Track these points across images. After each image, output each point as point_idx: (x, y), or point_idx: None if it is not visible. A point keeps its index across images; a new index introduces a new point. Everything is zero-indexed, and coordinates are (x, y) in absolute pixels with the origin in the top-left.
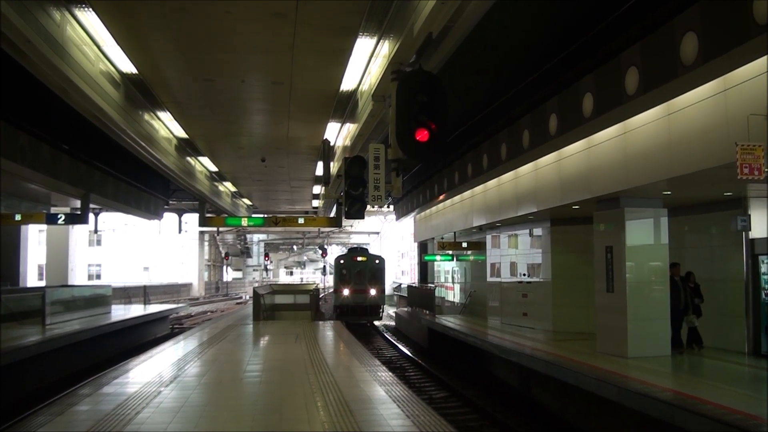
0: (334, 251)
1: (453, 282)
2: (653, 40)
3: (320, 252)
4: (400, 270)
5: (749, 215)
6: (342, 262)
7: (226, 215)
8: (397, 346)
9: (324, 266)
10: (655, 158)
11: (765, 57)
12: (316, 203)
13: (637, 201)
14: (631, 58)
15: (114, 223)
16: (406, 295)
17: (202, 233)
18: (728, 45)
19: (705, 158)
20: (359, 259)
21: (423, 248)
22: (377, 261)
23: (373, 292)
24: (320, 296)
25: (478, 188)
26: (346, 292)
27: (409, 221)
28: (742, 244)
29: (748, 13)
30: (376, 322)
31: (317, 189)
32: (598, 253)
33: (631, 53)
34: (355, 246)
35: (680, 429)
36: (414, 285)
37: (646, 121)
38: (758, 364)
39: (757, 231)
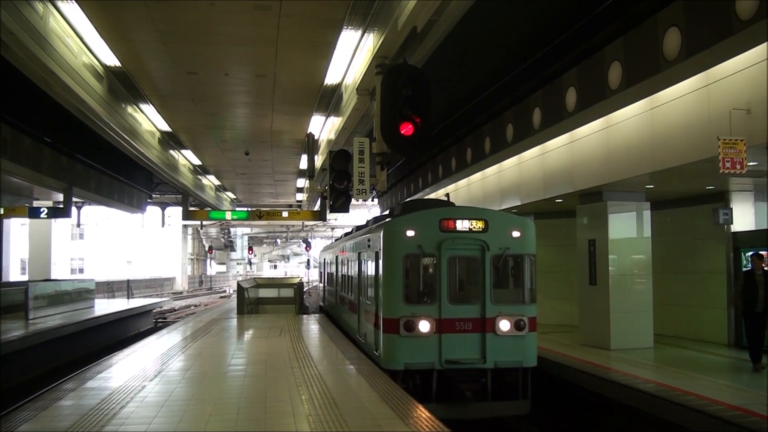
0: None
1: None
2: (636, 35)
3: (304, 245)
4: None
5: (731, 209)
6: (398, 236)
7: (209, 208)
8: None
9: (308, 260)
10: (638, 152)
11: (747, 52)
12: (300, 197)
13: (620, 194)
14: (614, 52)
15: (97, 216)
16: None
17: (185, 227)
18: (711, 40)
19: (687, 152)
20: (466, 225)
21: None
22: (518, 234)
23: (507, 325)
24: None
25: (462, 182)
26: (424, 327)
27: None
28: (724, 237)
29: (730, 9)
30: None
31: (301, 182)
32: (581, 247)
33: (614, 48)
34: (424, 198)
35: (663, 420)
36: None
37: (629, 115)
38: (739, 356)
39: (739, 224)
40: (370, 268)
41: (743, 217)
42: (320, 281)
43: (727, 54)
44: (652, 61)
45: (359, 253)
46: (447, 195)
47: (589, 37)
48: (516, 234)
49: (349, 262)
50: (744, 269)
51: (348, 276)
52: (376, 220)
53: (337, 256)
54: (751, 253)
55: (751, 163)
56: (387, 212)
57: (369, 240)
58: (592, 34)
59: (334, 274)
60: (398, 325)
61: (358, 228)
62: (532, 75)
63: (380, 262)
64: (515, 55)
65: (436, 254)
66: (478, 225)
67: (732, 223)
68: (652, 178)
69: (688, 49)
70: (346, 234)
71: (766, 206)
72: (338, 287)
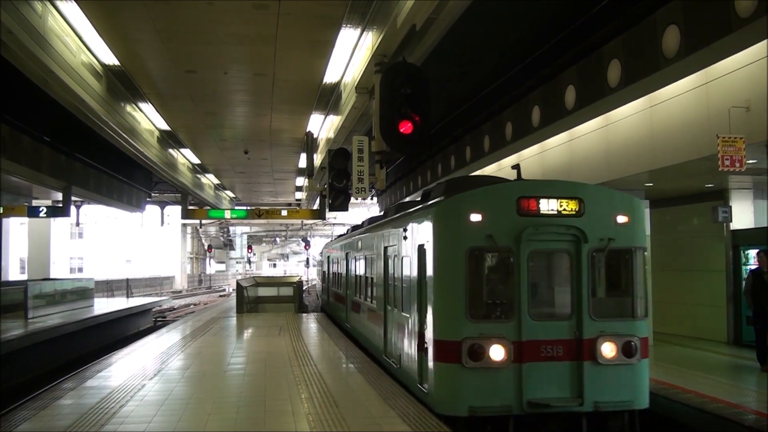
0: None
1: None
2: (635, 33)
3: (303, 244)
4: None
5: (730, 206)
6: (458, 221)
7: (209, 207)
8: None
9: (307, 258)
10: (637, 150)
11: (747, 50)
12: (299, 195)
13: None
14: (613, 50)
15: (96, 215)
16: None
17: (184, 226)
18: (710, 38)
19: (687, 150)
20: (553, 207)
21: None
22: (625, 219)
23: (612, 350)
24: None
25: None
26: (497, 353)
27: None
28: (723, 236)
29: (730, 7)
30: None
31: (300, 181)
32: None
33: (613, 46)
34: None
35: (662, 417)
36: None
37: (629, 113)
38: (739, 354)
39: (738, 222)
40: (406, 268)
41: (742, 215)
42: (322, 281)
43: (727, 52)
44: (652, 59)
45: (385, 248)
46: (516, 166)
47: (588, 35)
48: (622, 219)
49: (368, 260)
50: (751, 268)
51: (366, 277)
52: (400, 207)
53: (347, 254)
54: (758, 251)
55: (750, 161)
56: (421, 196)
57: (405, 230)
58: (592, 33)
59: (343, 274)
60: (459, 351)
61: (371, 220)
62: (531, 73)
63: (428, 259)
64: (514, 54)
65: (514, 248)
66: (570, 206)
67: (731, 221)
68: (651, 176)
69: (687, 47)
70: (355, 228)
71: (766, 204)
72: (349, 290)
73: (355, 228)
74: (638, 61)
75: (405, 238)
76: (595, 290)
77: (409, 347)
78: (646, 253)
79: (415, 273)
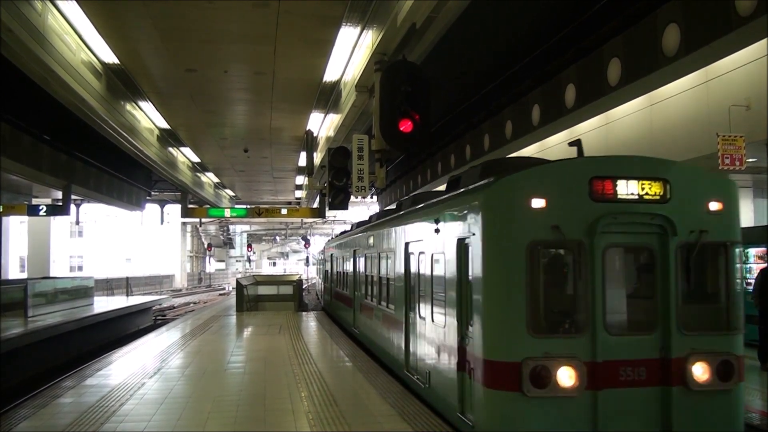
0: (318, 242)
1: None
2: (635, 31)
3: (303, 243)
4: None
5: None
6: (516, 207)
7: (208, 206)
8: None
9: (307, 257)
10: (637, 149)
11: (747, 48)
12: (299, 194)
13: None
14: (613, 49)
15: (96, 214)
16: None
17: (184, 224)
18: (710, 37)
19: (687, 149)
20: (633, 190)
21: None
22: (717, 206)
23: (705, 372)
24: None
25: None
26: (567, 378)
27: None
28: None
29: (730, 6)
30: None
31: (300, 180)
32: None
33: (613, 45)
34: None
35: None
36: None
37: (628, 111)
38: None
39: None
40: (438, 267)
41: (742, 213)
42: (324, 281)
43: (727, 50)
44: (652, 57)
45: (407, 245)
46: (577, 142)
47: (588, 34)
48: (715, 206)
49: (383, 258)
50: (761, 268)
51: (380, 278)
52: (417, 199)
53: (355, 251)
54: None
55: (750, 160)
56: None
57: (437, 221)
58: (592, 31)
59: (350, 273)
60: (519, 375)
61: (382, 214)
62: (531, 72)
63: (472, 257)
64: (514, 52)
65: (586, 242)
66: (654, 189)
67: None
68: None
69: (688, 46)
70: (361, 224)
71: (766, 203)
72: (357, 291)
73: (361, 224)
74: (638, 59)
75: (437, 231)
76: (685, 296)
77: (444, 364)
78: (740, 249)
79: (452, 274)
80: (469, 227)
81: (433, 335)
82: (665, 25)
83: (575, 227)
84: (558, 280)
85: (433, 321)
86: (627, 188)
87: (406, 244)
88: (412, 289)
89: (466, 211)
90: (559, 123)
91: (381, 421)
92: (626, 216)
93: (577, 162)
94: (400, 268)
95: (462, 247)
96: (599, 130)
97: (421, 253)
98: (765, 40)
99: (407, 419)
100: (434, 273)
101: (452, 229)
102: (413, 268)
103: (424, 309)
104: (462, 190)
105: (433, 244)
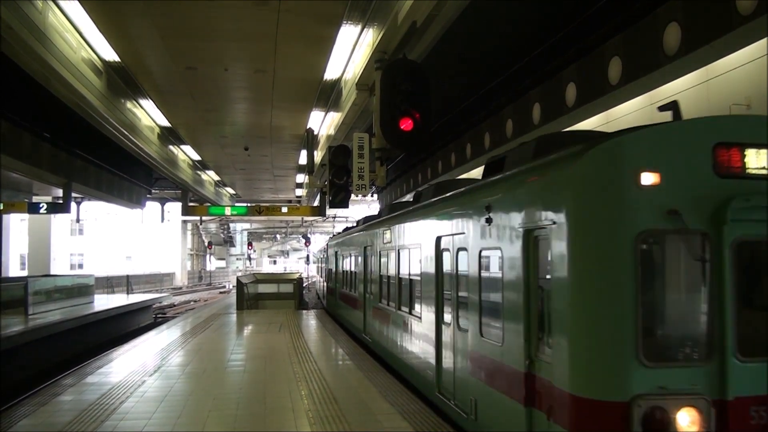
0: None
1: None
2: (636, 30)
3: (303, 241)
4: None
5: None
6: (618, 184)
7: (209, 204)
8: None
9: (307, 255)
10: None
11: (748, 47)
12: (299, 192)
13: None
14: (614, 48)
15: (96, 212)
16: None
17: (184, 222)
18: (711, 35)
19: None
20: (760, 163)
21: None
22: None
23: None
24: (304, 285)
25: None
26: (690, 424)
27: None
28: None
29: (731, 4)
30: None
31: (300, 178)
32: None
33: (614, 43)
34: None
35: None
36: None
37: (629, 110)
38: None
39: None
40: (490, 267)
41: None
42: (327, 280)
43: (728, 49)
44: (652, 56)
45: (438, 239)
46: (673, 104)
47: (589, 32)
48: None
49: (402, 256)
50: None
51: (399, 279)
52: (439, 188)
53: (365, 248)
54: None
55: None
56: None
57: (489, 209)
58: (592, 30)
59: (360, 273)
60: (627, 420)
61: (395, 206)
62: (532, 71)
63: (552, 252)
64: (515, 51)
65: (712, 233)
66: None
67: None
68: None
69: (688, 45)
70: (368, 219)
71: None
72: (369, 294)
73: (369, 218)
74: (639, 58)
75: (488, 221)
76: None
77: (500, 395)
78: None
79: (513, 275)
80: (544, 215)
81: (480, 353)
82: (666, 24)
83: (696, 212)
84: (678, 285)
85: (482, 335)
86: (757, 160)
87: (438, 239)
88: (446, 294)
89: (539, 193)
90: (560, 122)
91: (381, 420)
92: (759, 198)
93: (696, 121)
94: (429, 268)
95: (531, 240)
96: (600, 129)
97: (460, 249)
98: (765, 39)
99: (407, 417)
100: (482, 274)
101: (514, 218)
102: (447, 268)
103: (465, 319)
104: (527, 166)
105: (480, 238)
